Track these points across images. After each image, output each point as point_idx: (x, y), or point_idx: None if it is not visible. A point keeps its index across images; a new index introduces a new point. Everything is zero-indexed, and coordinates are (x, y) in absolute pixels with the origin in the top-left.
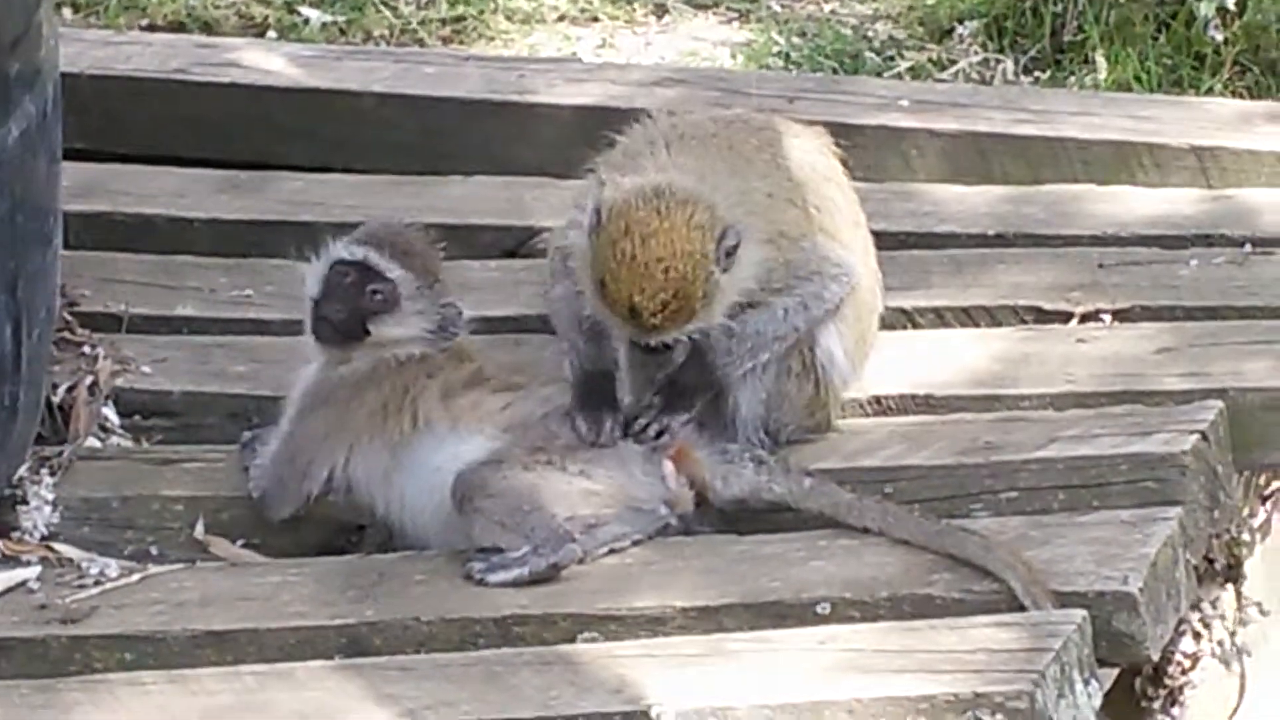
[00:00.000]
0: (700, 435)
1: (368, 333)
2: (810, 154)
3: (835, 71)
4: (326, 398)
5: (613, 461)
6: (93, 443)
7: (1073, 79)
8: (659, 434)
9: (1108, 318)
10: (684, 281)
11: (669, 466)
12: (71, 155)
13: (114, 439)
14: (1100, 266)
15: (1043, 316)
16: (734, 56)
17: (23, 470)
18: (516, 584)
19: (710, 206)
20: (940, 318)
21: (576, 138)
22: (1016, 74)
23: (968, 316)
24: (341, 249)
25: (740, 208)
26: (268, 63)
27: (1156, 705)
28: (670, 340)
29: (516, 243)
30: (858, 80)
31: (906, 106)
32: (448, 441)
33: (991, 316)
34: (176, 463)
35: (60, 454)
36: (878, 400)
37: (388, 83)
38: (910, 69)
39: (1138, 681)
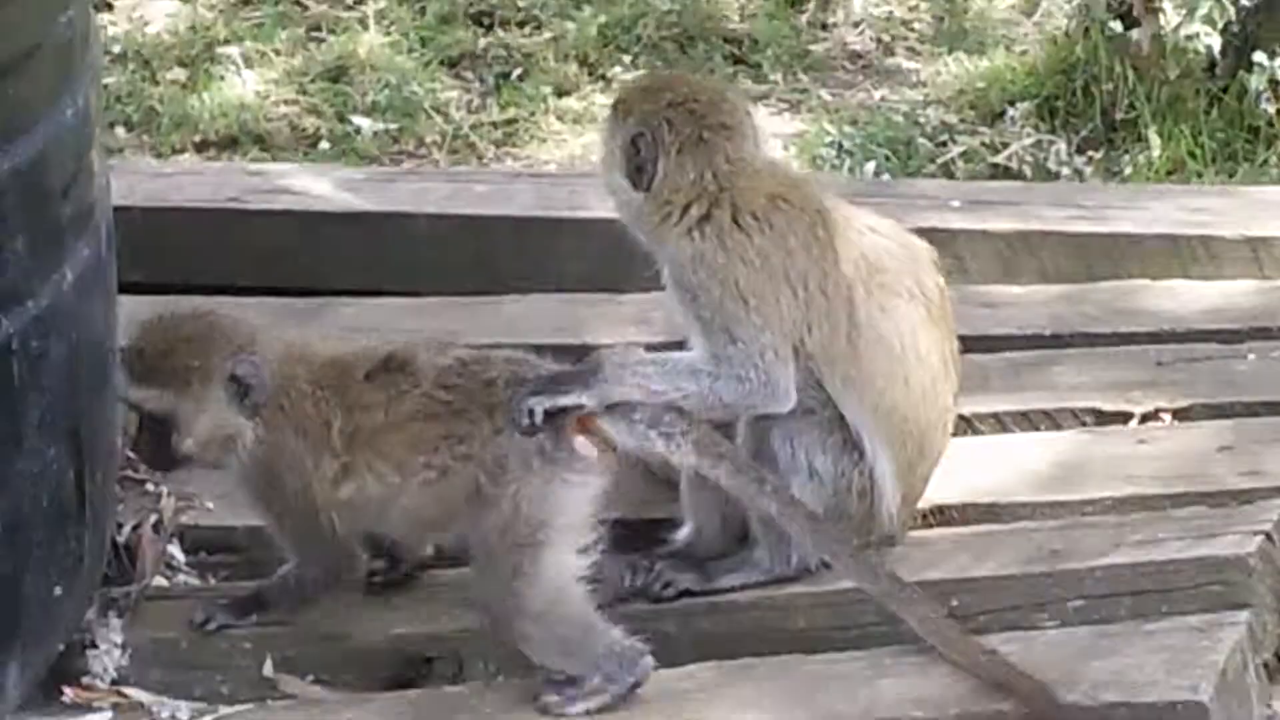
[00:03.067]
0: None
1: (184, 456)
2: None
3: (888, 159)
4: (264, 472)
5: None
6: (159, 582)
7: (1126, 157)
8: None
9: (1168, 416)
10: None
11: (579, 439)
12: (127, 288)
13: (180, 577)
14: (1158, 364)
15: (1103, 418)
16: (786, 148)
17: (90, 613)
18: (601, 712)
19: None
20: (1000, 422)
21: (631, 250)
22: (1069, 154)
23: (1027, 420)
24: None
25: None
26: (319, 187)
27: None
28: None
29: (574, 359)
30: (908, 182)
31: (958, 206)
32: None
33: (1051, 419)
34: None
35: (127, 595)
36: (940, 510)
37: (440, 203)
38: (963, 153)
39: None
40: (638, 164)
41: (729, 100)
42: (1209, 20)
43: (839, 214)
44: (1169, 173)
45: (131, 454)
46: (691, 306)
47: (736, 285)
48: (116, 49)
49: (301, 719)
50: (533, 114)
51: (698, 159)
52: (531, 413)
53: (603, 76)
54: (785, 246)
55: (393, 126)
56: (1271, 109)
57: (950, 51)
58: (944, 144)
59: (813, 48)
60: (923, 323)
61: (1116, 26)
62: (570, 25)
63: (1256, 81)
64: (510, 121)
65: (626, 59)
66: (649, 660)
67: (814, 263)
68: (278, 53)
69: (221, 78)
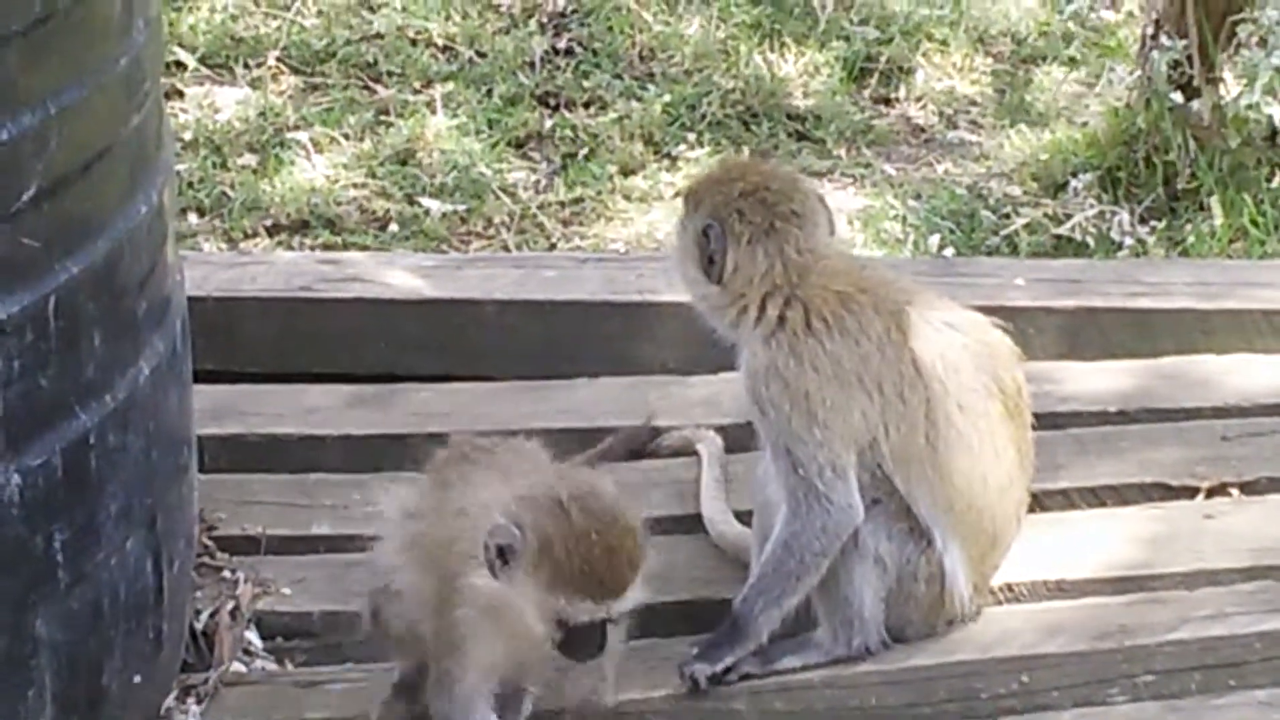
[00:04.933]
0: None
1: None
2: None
3: (952, 232)
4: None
5: None
6: (238, 667)
7: (1189, 227)
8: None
9: (1235, 491)
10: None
11: None
12: (201, 377)
13: (258, 662)
14: (1224, 439)
15: (1170, 493)
16: (851, 223)
17: (170, 700)
18: None
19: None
20: (1068, 499)
21: (699, 332)
22: (1132, 224)
23: (1095, 497)
24: None
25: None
26: (390, 275)
27: None
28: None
29: (643, 442)
30: (973, 261)
31: (1022, 285)
32: None
33: (1119, 495)
34: (320, 684)
35: (206, 681)
36: (1009, 587)
37: (508, 289)
38: (1026, 225)
39: None
40: (709, 255)
41: (800, 188)
42: (1269, 90)
43: (915, 309)
44: (1231, 241)
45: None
46: (761, 423)
47: (806, 398)
48: (188, 135)
49: None
50: (599, 193)
51: (769, 249)
52: (695, 679)
53: (668, 155)
54: (860, 351)
55: (461, 208)
56: None
57: (1012, 124)
58: (1007, 216)
59: (876, 123)
60: (1000, 418)
61: (1177, 97)
62: (635, 105)
63: None
64: (577, 201)
65: (691, 137)
66: None
67: (889, 365)
68: (347, 137)
69: (292, 162)
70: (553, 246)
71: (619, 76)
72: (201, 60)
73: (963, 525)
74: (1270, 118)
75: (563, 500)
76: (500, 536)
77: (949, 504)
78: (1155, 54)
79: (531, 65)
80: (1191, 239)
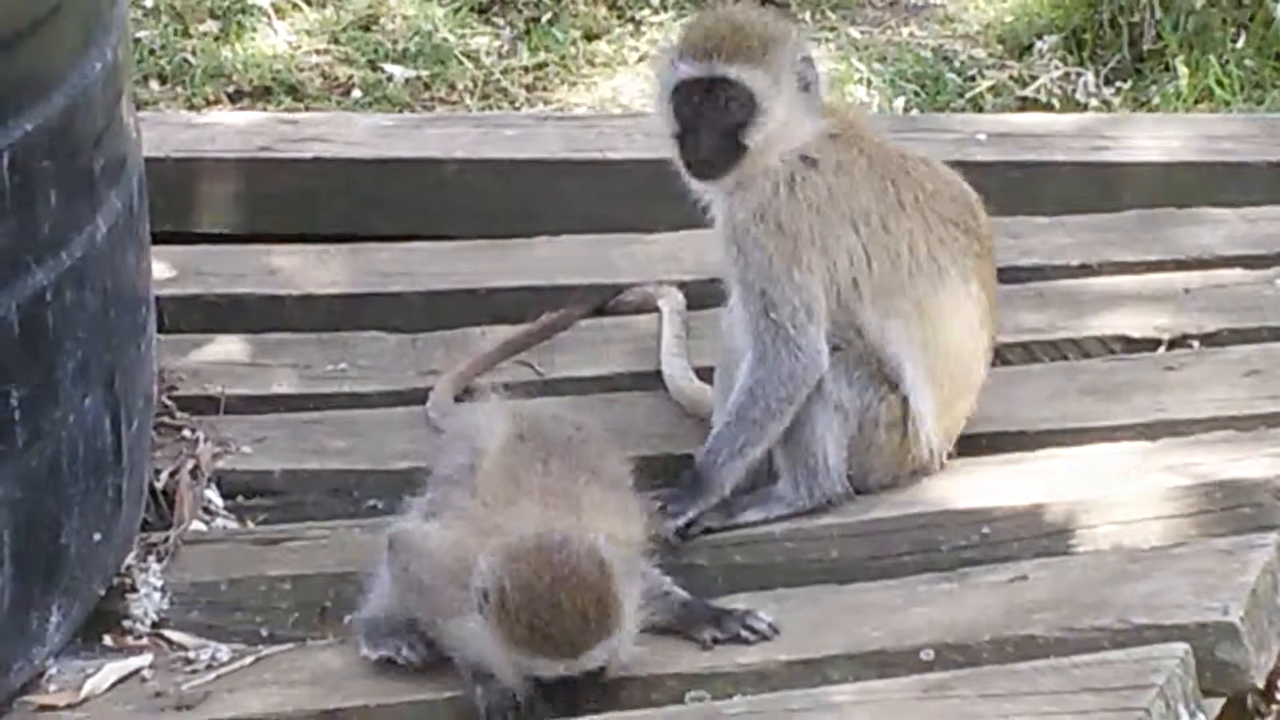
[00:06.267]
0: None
1: None
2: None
3: (917, 95)
4: None
5: None
6: (198, 526)
7: (1154, 88)
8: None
9: (1196, 343)
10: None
11: None
12: (161, 238)
13: (219, 521)
14: (1186, 291)
15: (1131, 346)
16: None
17: (130, 558)
18: None
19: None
20: (1029, 352)
21: (659, 191)
22: (1097, 86)
23: (1056, 350)
24: None
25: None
26: (349, 134)
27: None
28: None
29: (604, 300)
30: (934, 117)
31: (984, 140)
32: None
33: (1080, 348)
34: (281, 542)
35: (166, 540)
36: (968, 439)
37: (469, 148)
38: (991, 88)
39: (1250, 698)
40: (806, 83)
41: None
42: None
43: (891, 146)
44: (1197, 102)
45: None
46: (738, 265)
47: (795, 239)
48: (148, 2)
49: (340, 660)
50: (563, 58)
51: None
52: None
53: (632, 19)
54: (850, 183)
55: (424, 74)
56: None
57: None
58: (972, 79)
59: None
60: (977, 257)
61: None
62: None
63: None
64: (540, 66)
65: (655, 1)
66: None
67: (875, 197)
68: (309, 3)
69: (254, 29)
70: (516, 112)
71: None
72: None
73: (937, 364)
74: None
75: (527, 550)
76: (482, 580)
77: (924, 341)
78: None
79: None
80: (1157, 100)
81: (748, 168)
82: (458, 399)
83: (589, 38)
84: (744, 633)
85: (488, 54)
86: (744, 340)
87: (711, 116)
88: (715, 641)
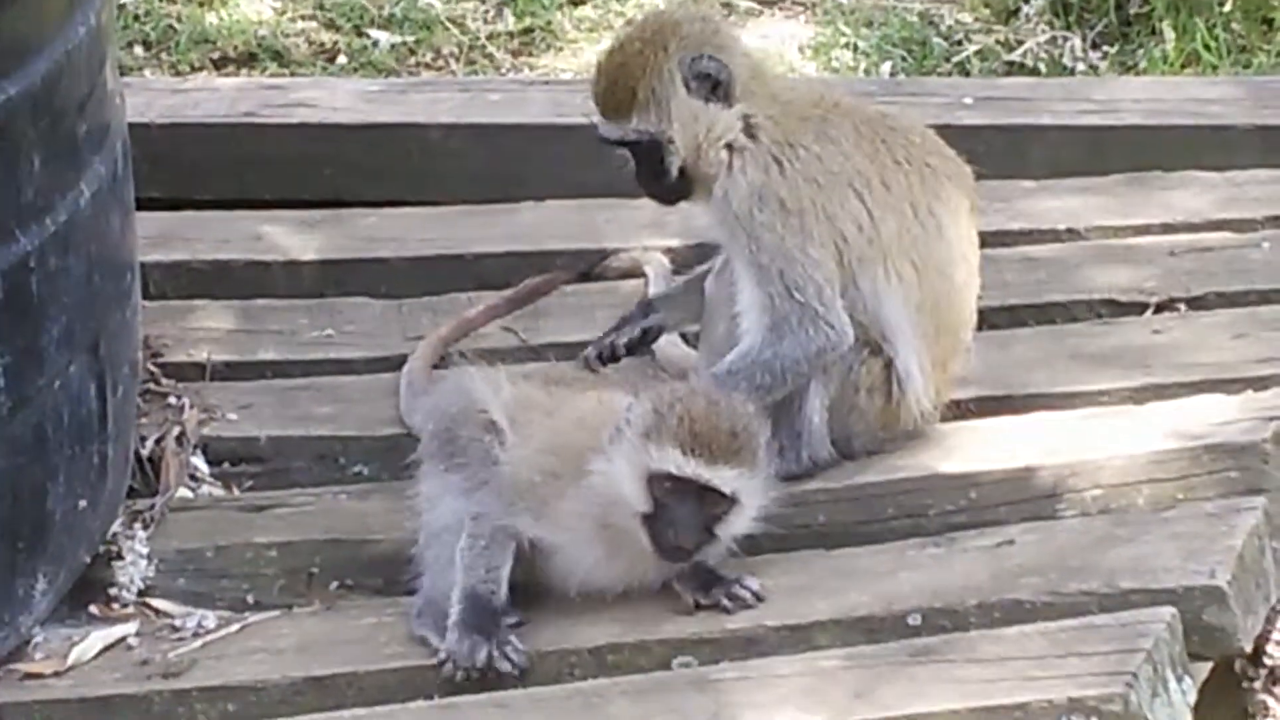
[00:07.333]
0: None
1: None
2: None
3: (904, 60)
4: None
5: None
6: (184, 493)
7: (1140, 52)
8: None
9: (1182, 307)
10: (625, 69)
11: None
12: (145, 204)
13: (205, 488)
14: (1172, 255)
15: (1118, 309)
16: (802, 52)
17: (116, 525)
18: None
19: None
20: (1016, 316)
21: None
22: (1084, 50)
23: (1043, 314)
24: None
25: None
26: (334, 100)
27: (1258, 685)
28: (627, 136)
29: (590, 265)
30: (920, 81)
31: (971, 104)
32: None
33: (1067, 312)
34: (268, 509)
35: (152, 507)
36: (956, 403)
37: (454, 113)
38: (978, 52)
39: (1238, 663)
40: (714, 80)
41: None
42: None
43: (873, 110)
44: (1183, 65)
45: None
46: (747, 248)
47: (801, 214)
48: None
49: (327, 626)
50: (548, 23)
51: (751, 66)
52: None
53: None
54: (842, 150)
55: (410, 39)
56: None
57: None
58: (959, 43)
59: None
60: (968, 214)
61: None
62: None
63: None
64: (526, 31)
65: None
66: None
67: (869, 158)
68: None
69: None
70: (501, 77)
71: None
72: None
73: (925, 323)
74: None
75: (679, 387)
76: (630, 411)
77: (917, 303)
78: None
79: None
80: (1144, 64)
81: (699, 179)
82: (436, 366)
83: (574, 3)
84: (726, 602)
85: (473, 19)
86: (753, 318)
87: (637, 165)
88: (698, 606)
